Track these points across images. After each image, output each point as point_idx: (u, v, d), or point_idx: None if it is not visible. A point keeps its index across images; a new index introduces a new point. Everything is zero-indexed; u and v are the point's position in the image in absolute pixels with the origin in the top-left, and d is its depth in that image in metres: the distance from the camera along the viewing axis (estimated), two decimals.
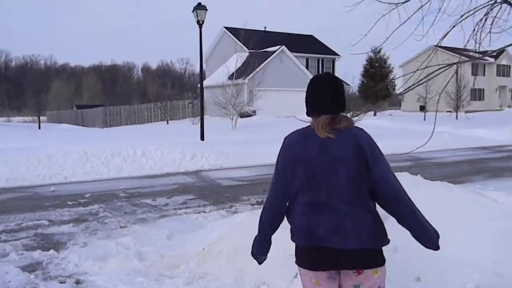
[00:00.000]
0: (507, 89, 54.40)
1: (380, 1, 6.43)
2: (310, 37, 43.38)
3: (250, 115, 27.45)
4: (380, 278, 2.10)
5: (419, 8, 5.73)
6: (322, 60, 40.51)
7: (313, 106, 2.13)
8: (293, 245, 4.18)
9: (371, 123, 21.42)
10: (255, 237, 2.37)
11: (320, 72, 40.05)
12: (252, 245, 2.39)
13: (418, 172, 11.23)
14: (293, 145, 2.11)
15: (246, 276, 4.21)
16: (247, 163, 12.76)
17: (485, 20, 5.43)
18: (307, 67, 36.56)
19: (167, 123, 30.10)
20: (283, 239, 4.20)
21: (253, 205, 7.74)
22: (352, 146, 2.04)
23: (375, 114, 33.08)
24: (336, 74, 41.52)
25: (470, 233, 3.81)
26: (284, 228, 4.32)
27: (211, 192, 8.87)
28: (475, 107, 43.33)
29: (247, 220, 4.66)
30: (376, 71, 39.32)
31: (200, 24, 16.11)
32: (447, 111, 34.70)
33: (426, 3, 5.58)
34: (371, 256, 2.06)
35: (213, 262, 4.58)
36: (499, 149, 17.46)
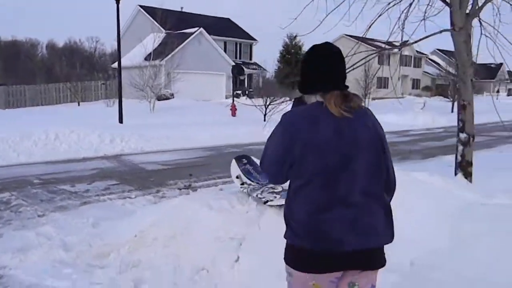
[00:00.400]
0: (409, 78, 58.58)
1: None
2: (228, 21, 43.12)
3: (168, 98, 26.79)
4: (376, 275, 1.88)
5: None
6: (240, 44, 40.53)
7: (320, 79, 1.78)
8: (231, 228, 4.16)
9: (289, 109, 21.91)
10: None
11: (238, 55, 40.24)
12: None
13: None
14: (298, 128, 1.72)
15: (184, 262, 4.08)
16: (169, 147, 12.46)
17: (409, 8, 5.74)
18: (225, 51, 36.39)
19: (79, 104, 28.37)
20: (220, 223, 4.18)
21: (180, 189, 7.57)
22: (368, 128, 1.78)
23: (290, 99, 34.01)
24: (254, 59, 41.91)
25: (408, 212, 4.02)
26: (217, 211, 4.28)
27: (135, 177, 8.53)
28: (381, 94, 46.04)
29: (182, 205, 4.52)
30: (292, 57, 40.15)
31: (117, 0, 15.27)
32: None
33: None
34: (383, 254, 1.85)
35: (147, 249, 4.39)
36: (406, 133, 18.84)
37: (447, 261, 3.51)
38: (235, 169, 4.63)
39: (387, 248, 3.78)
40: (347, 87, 1.81)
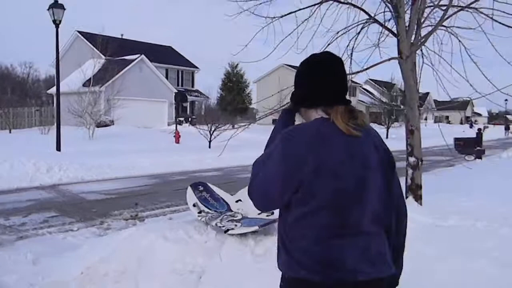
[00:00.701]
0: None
1: (258, 16, 6.61)
2: (169, 48, 42.92)
3: (107, 125, 25.89)
4: None
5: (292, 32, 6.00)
6: (182, 71, 40.37)
7: (325, 91, 1.61)
8: (189, 260, 3.93)
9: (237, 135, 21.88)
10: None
11: (180, 82, 39.98)
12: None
13: None
14: (307, 147, 1.51)
15: None
16: (111, 175, 11.91)
17: (357, 37, 5.91)
18: (167, 78, 36.04)
19: (10, 132, 26.69)
20: (177, 254, 3.95)
21: (126, 220, 7.17)
22: (377, 149, 1.62)
23: (233, 127, 34.10)
24: (196, 87, 41.85)
25: None
26: (174, 242, 4.05)
27: (76, 208, 8.00)
28: None
29: (134, 236, 4.24)
30: (234, 85, 40.54)
31: (57, 24, 14.68)
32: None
33: (305, 20, 5.87)
34: (395, 283, 1.71)
35: (97, 286, 4.05)
36: None
37: (413, 285, 3.49)
38: (191, 197, 4.43)
39: None
40: (350, 101, 1.65)
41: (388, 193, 1.61)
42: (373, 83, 69.44)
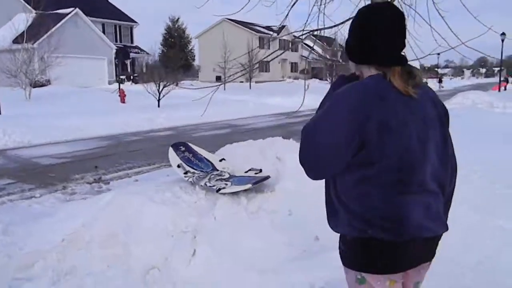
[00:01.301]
0: (288, 62, 61.15)
1: None
2: (104, 1, 40.45)
3: (44, 85, 24.37)
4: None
5: None
6: (120, 26, 38.34)
7: (388, 47, 1.53)
8: (181, 221, 3.89)
9: (178, 92, 21.42)
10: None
11: (118, 38, 38.09)
12: None
13: (239, 138, 11.80)
14: (370, 104, 1.45)
15: (131, 263, 3.73)
16: (61, 138, 11.36)
17: None
18: (104, 34, 34.14)
19: None
20: (167, 216, 3.89)
21: (90, 183, 6.92)
22: (435, 106, 1.59)
23: (177, 84, 33.30)
24: (136, 43, 40.05)
25: None
26: (162, 204, 3.98)
27: (32, 173, 7.59)
28: (263, 78, 47.41)
29: (119, 200, 4.10)
30: (176, 40, 39.26)
31: None
32: (240, 82, 37.28)
33: None
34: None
35: (81, 253, 3.91)
36: (296, 115, 19.56)
37: None
38: (174, 158, 4.32)
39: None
40: (407, 60, 1.55)
41: (445, 150, 1.59)
42: (314, 38, 70.09)
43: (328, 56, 48.35)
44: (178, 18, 41.30)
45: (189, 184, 4.20)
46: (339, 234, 1.64)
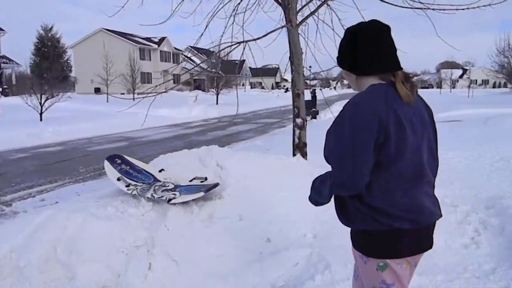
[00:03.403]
0: (169, 73, 60.65)
1: None
2: None
3: None
4: None
5: None
6: None
7: (386, 58, 1.72)
8: (130, 236, 3.76)
9: (62, 106, 20.03)
10: (317, 184, 1.87)
11: None
12: (315, 192, 1.88)
13: (140, 150, 11.49)
14: (383, 109, 1.61)
15: (78, 284, 3.49)
16: None
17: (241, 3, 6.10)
18: None
19: None
20: (115, 232, 3.72)
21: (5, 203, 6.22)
22: (427, 108, 1.82)
23: (52, 96, 30.94)
24: (3, 51, 36.27)
25: (292, 191, 4.35)
26: (108, 219, 3.81)
27: None
28: (146, 89, 46.17)
29: (56, 219, 3.79)
30: (50, 50, 36.48)
31: None
32: (121, 93, 35.98)
33: None
34: None
35: (13, 280, 3.56)
36: (189, 126, 19.57)
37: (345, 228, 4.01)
38: (111, 171, 4.15)
39: (290, 226, 4.03)
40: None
41: (435, 145, 1.83)
42: (194, 50, 70.41)
43: (209, 68, 48.94)
44: (52, 27, 38.43)
45: (130, 197, 4.07)
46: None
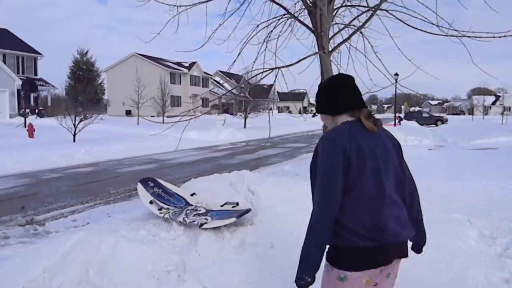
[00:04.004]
0: (199, 97, 61.55)
1: (163, 3, 6.38)
2: (4, 31, 37.86)
3: None
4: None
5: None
6: (23, 57, 35.98)
7: (351, 100, 2.15)
8: (162, 260, 3.74)
9: (94, 127, 20.55)
10: (305, 256, 1.98)
11: (21, 70, 35.68)
12: (303, 267, 1.98)
13: (169, 173, 11.59)
14: (346, 141, 1.97)
15: None
16: None
17: (274, 30, 6.18)
18: (4, 64, 31.76)
19: None
20: (147, 255, 3.72)
21: (23, 225, 6.34)
22: (391, 139, 2.15)
23: (86, 118, 31.80)
24: (40, 75, 37.80)
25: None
26: (140, 243, 3.81)
27: None
28: (175, 112, 47.08)
29: (89, 241, 3.83)
30: (84, 73, 37.72)
31: None
32: (151, 116, 36.63)
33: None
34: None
35: None
36: (217, 149, 19.69)
37: None
38: (144, 194, 4.17)
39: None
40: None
41: (402, 171, 2.12)
42: (223, 75, 71.50)
43: (237, 92, 49.48)
44: (87, 51, 39.84)
45: (162, 220, 4.07)
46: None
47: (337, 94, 2.16)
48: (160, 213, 4.00)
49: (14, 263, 4.07)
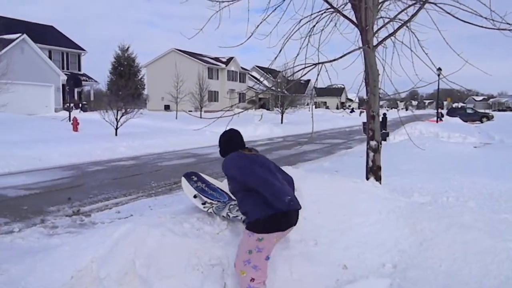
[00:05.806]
0: (236, 92, 61.88)
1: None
2: (51, 28, 39.25)
3: None
4: None
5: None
6: (67, 53, 37.24)
7: (237, 144, 3.57)
8: (206, 254, 3.77)
9: (135, 121, 21.00)
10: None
11: (65, 66, 36.99)
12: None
13: (207, 167, 11.70)
14: (245, 158, 3.41)
15: None
16: (20, 168, 10.77)
17: (316, 25, 6.08)
18: (50, 60, 32.94)
19: None
20: (192, 249, 3.76)
21: (70, 216, 6.56)
22: (265, 158, 3.53)
23: (126, 112, 32.49)
24: (83, 70, 39.00)
25: (368, 216, 4.20)
26: (184, 236, 3.85)
27: (2, 206, 7.07)
28: (213, 107, 47.52)
29: (136, 233, 3.90)
30: (125, 69, 38.62)
31: None
32: (189, 111, 37.05)
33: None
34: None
35: None
36: (254, 144, 19.68)
37: (422, 260, 3.79)
38: (188, 188, 4.21)
39: (367, 253, 3.88)
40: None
41: (278, 170, 3.50)
42: (260, 70, 71.44)
43: (273, 88, 49.30)
44: (128, 47, 40.72)
45: (206, 214, 4.11)
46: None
47: (229, 141, 3.61)
48: (204, 207, 4.03)
49: (63, 252, 4.21)
